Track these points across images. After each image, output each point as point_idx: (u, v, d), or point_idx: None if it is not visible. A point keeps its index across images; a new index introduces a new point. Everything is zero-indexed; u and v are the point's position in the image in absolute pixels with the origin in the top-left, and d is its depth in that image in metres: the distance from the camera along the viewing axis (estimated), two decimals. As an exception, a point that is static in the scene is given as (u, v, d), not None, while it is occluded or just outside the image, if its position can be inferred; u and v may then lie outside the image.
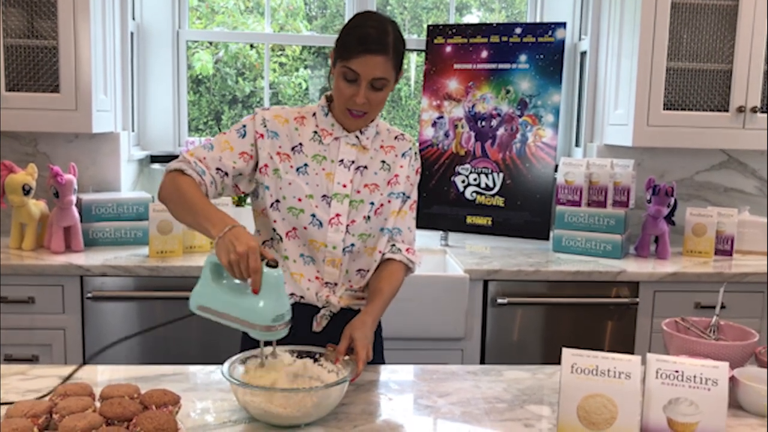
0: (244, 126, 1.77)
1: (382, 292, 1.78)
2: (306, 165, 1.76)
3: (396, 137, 1.88)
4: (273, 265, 1.44)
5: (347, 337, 1.63)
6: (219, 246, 1.47)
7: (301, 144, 1.78)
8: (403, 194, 1.86)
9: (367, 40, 1.64)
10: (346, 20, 1.75)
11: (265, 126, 1.76)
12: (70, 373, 1.64)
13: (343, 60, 1.67)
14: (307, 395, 1.41)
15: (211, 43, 3.88)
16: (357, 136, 1.80)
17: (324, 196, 1.76)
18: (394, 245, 1.86)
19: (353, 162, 1.79)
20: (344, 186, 1.77)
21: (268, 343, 1.54)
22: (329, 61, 1.77)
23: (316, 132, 1.79)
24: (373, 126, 1.83)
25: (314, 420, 1.44)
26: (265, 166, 1.75)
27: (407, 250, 1.87)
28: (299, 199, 1.74)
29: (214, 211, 1.57)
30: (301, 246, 1.77)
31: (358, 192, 1.79)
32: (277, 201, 1.76)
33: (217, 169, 1.72)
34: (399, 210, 1.85)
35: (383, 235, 1.83)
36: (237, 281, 1.49)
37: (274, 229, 1.77)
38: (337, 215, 1.76)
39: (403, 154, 1.87)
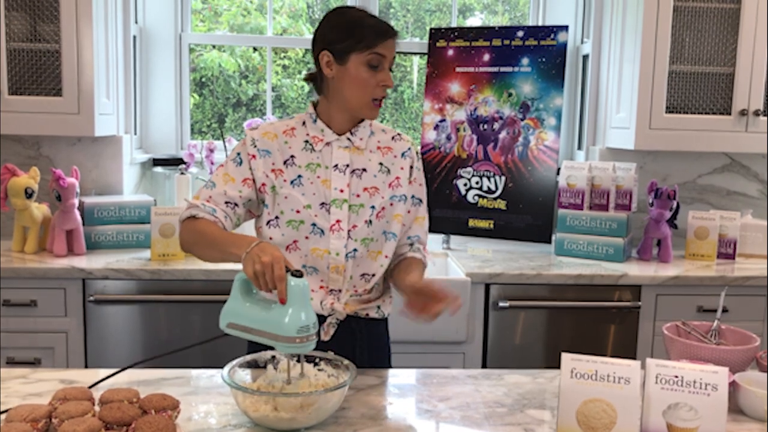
0: (238, 153, 1.79)
1: (414, 265, 1.83)
2: (300, 176, 1.77)
3: (393, 138, 1.88)
4: (298, 275, 1.44)
5: (422, 287, 1.67)
6: (245, 260, 1.49)
7: (293, 156, 1.78)
8: (405, 196, 1.86)
9: (383, 25, 1.73)
10: None
11: (255, 146, 1.78)
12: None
13: (366, 49, 1.71)
14: (307, 399, 1.41)
15: (214, 47, 3.89)
16: (349, 138, 1.80)
17: (322, 203, 1.76)
18: (412, 245, 1.91)
19: (348, 165, 1.79)
20: (341, 191, 1.77)
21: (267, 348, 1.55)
22: (321, 64, 1.75)
23: (307, 141, 1.79)
24: (365, 126, 1.83)
25: (314, 424, 1.44)
26: (263, 185, 1.77)
27: (423, 249, 1.94)
28: (297, 211, 1.75)
29: (236, 236, 1.62)
30: (302, 257, 1.77)
31: (357, 196, 1.79)
32: (276, 217, 1.76)
33: (226, 203, 1.75)
34: (416, 216, 1.90)
35: (388, 239, 1.83)
36: (263, 297, 1.51)
37: None
38: (338, 221, 1.76)
39: (402, 155, 1.86)
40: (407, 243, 1.90)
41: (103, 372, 1.75)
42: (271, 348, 1.55)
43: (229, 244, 1.58)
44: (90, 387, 1.48)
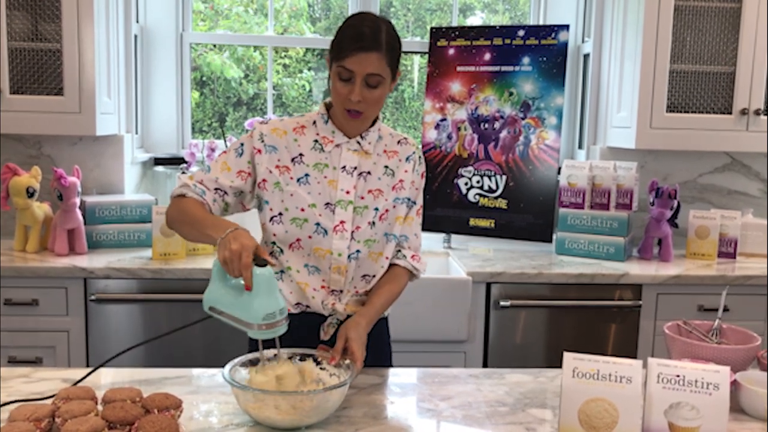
0: (242, 144, 1.79)
1: (380, 295, 1.80)
2: (307, 175, 1.77)
3: (399, 141, 1.88)
4: (262, 264, 1.47)
5: (342, 337, 1.65)
6: (219, 246, 1.52)
7: (301, 155, 1.78)
8: (408, 199, 1.86)
9: (360, 37, 1.66)
10: None
11: (262, 141, 1.77)
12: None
13: (337, 60, 1.69)
14: (307, 398, 1.41)
15: (215, 46, 3.89)
16: (358, 142, 1.80)
17: (327, 203, 1.76)
18: (399, 251, 1.88)
19: (356, 168, 1.79)
20: (347, 192, 1.77)
21: (270, 345, 1.56)
22: (327, 65, 1.78)
23: (316, 140, 1.79)
24: (374, 130, 1.83)
25: (315, 423, 1.45)
26: (264, 180, 1.76)
27: (413, 256, 1.88)
28: (302, 209, 1.75)
29: (216, 219, 1.63)
30: (305, 256, 1.77)
31: (362, 198, 1.79)
32: (280, 214, 1.76)
33: (216, 189, 1.76)
34: (405, 216, 1.86)
35: (389, 241, 1.83)
36: (236, 282, 1.53)
37: (274, 243, 1.78)
38: (342, 222, 1.76)
39: (407, 159, 1.86)
40: (393, 243, 1.87)
41: (105, 371, 1.76)
42: (273, 346, 1.56)
43: (207, 225, 1.61)
44: (78, 381, 1.48)
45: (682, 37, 3.11)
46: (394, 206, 1.82)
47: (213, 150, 3.26)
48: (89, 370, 1.60)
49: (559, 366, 1.41)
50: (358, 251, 1.77)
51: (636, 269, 2.92)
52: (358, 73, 1.67)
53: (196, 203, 1.71)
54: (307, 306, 1.79)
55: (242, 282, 1.48)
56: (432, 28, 3.37)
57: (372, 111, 1.75)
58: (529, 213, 3.21)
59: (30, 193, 2.84)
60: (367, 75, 1.67)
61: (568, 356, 1.37)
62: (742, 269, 2.99)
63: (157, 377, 1.70)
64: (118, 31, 3.13)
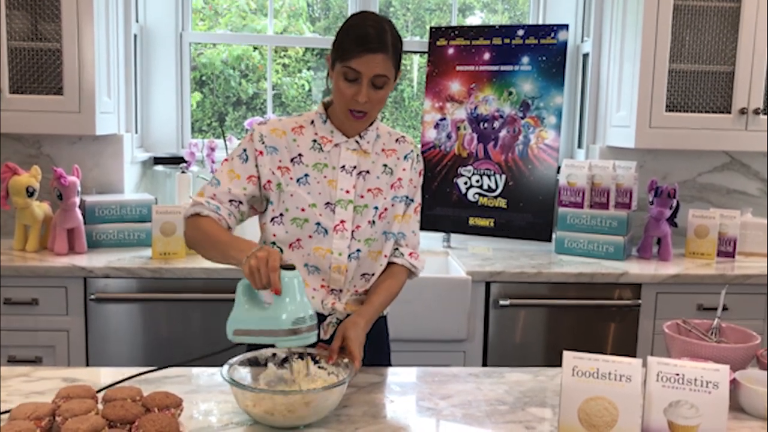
0: (245, 149, 1.79)
1: (378, 295, 1.80)
2: (306, 175, 1.77)
3: (397, 140, 1.88)
4: (291, 268, 1.47)
5: (340, 336, 1.66)
6: (244, 263, 1.50)
7: (300, 155, 1.78)
8: (407, 197, 1.87)
9: (367, 39, 1.65)
10: None
11: (263, 142, 1.77)
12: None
13: (343, 61, 1.68)
14: (306, 397, 1.41)
15: (214, 45, 3.89)
16: (357, 141, 1.80)
17: (327, 203, 1.76)
18: (397, 249, 1.88)
19: (355, 167, 1.79)
20: (347, 192, 1.77)
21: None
22: (327, 65, 1.77)
23: (315, 140, 1.79)
24: (373, 129, 1.83)
25: (314, 421, 1.45)
26: (269, 182, 1.77)
27: (410, 254, 1.88)
28: (302, 209, 1.75)
29: (240, 240, 1.62)
30: (305, 256, 1.77)
31: (362, 197, 1.79)
32: (281, 214, 1.77)
33: (230, 201, 1.75)
34: (403, 214, 1.86)
35: (388, 239, 1.83)
36: (263, 301, 1.53)
37: (274, 243, 1.78)
38: (342, 222, 1.76)
39: (405, 157, 1.87)
40: (392, 242, 1.87)
41: (105, 370, 1.76)
42: (272, 345, 1.56)
43: (230, 247, 1.60)
44: (98, 392, 1.48)
45: (682, 36, 3.11)
46: (393, 204, 1.83)
47: (213, 149, 3.25)
48: (136, 371, 1.61)
49: (559, 365, 1.42)
50: (358, 250, 1.78)
51: (635, 268, 2.92)
52: (365, 75, 1.67)
53: (213, 222, 1.71)
54: (307, 306, 1.79)
55: (267, 298, 1.48)
56: (431, 28, 3.37)
57: (375, 111, 1.75)
58: (528, 212, 3.21)
59: (30, 193, 2.84)
60: (374, 76, 1.67)
61: (567, 355, 1.37)
62: (741, 268, 2.99)
63: (157, 376, 1.70)
64: (117, 31, 3.13)
